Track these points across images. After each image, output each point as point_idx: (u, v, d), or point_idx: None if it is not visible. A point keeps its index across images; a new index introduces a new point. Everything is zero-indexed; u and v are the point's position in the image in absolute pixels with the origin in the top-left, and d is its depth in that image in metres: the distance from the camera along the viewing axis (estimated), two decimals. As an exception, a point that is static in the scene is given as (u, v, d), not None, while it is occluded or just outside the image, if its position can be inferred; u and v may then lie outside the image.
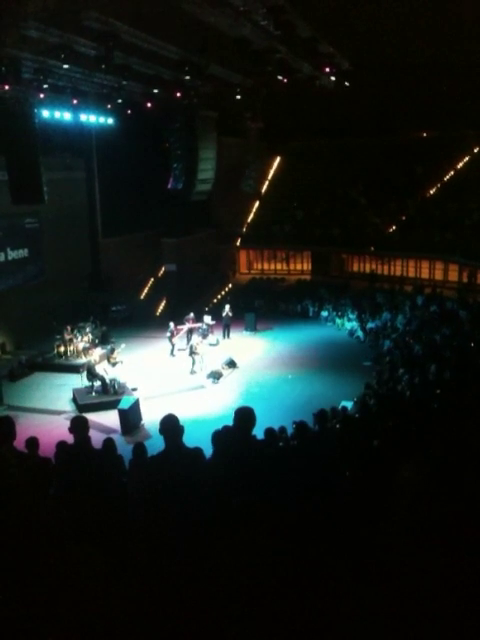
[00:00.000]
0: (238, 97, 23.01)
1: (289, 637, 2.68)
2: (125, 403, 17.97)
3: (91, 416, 14.25)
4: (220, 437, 6.16)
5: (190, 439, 5.55)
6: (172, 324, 24.79)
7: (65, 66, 17.38)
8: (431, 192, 34.41)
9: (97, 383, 20.10)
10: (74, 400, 20.03)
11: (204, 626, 2.77)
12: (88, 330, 25.12)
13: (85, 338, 24.50)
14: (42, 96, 20.91)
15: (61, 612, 2.82)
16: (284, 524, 3.60)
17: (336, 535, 3.52)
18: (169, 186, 28.10)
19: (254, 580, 2.93)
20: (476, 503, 3.63)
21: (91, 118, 26.45)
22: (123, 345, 22.44)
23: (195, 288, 31.66)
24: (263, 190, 38.70)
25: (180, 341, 24.88)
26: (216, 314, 27.59)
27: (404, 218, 33.47)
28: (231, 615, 2.79)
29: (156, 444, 5.72)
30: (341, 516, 3.90)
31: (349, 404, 16.74)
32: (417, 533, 3.36)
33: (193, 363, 22.44)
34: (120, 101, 23.65)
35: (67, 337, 24.16)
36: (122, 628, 2.81)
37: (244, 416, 5.50)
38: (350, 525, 3.69)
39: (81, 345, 24.05)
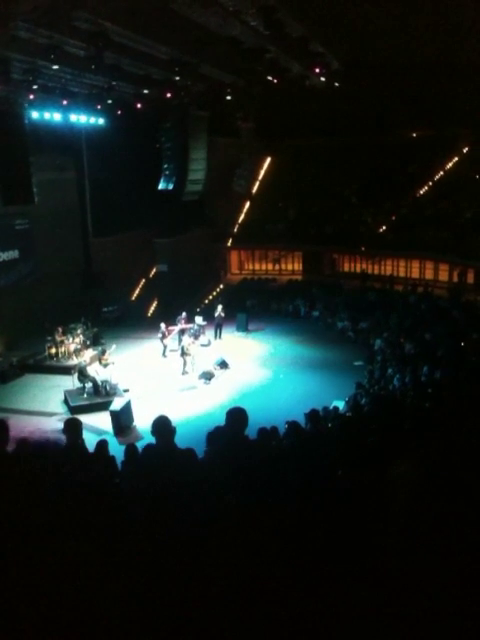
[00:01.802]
0: (229, 97, 23.01)
1: (286, 637, 2.67)
2: (117, 404, 17.95)
3: (83, 417, 14.20)
4: (214, 437, 6.15)
5: (182, 440, 5.55)
6: (163, 325, 24.75)
7: (55, 67, 17.33)
8: (423, 191, 34.50)
9: (89, 384, 20.05)
10: (66, 401, 19.96)
11: (200, 627, 2.77)
12: (79, 331, 25.02)
13: (76, 339, 24.41)
14: (32, 97, 20.84)
15: (57, 614, 2.81)
16: (279, 525, 3.59)
17: (332, 535, 3.51)
18: (160, 186, 28.08)
19: (250, 580, 2.92)
20: (472, 501, 3.63)
21: (81, 118, 26.38)
22: (114, 346, 22.38)
23: (187, 288, 31.62)
24: (254, 190, 38.69)
25: (172, 342, 24.85)
26: (208, 314, 27.60)
27: (394, 218, 33.55)
28: (227, 616, 2.78)
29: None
30: (337, 516, 3.89)
31: (341, 404, 16.79)
32: (414, 532, 3.36)
33: (185, 364, 22.41)
34: (110, 101, 23.59)
35: (58, 338, 24.06)
36: (119, 627, 2.80)
37: (236, 416, 5.50)
38: (346, 525, 3.69)
39: (72, 346, 23.98)
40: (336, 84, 20.93)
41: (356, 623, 2.66)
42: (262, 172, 39.26)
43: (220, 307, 27.32)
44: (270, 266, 37.64)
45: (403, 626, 2.61)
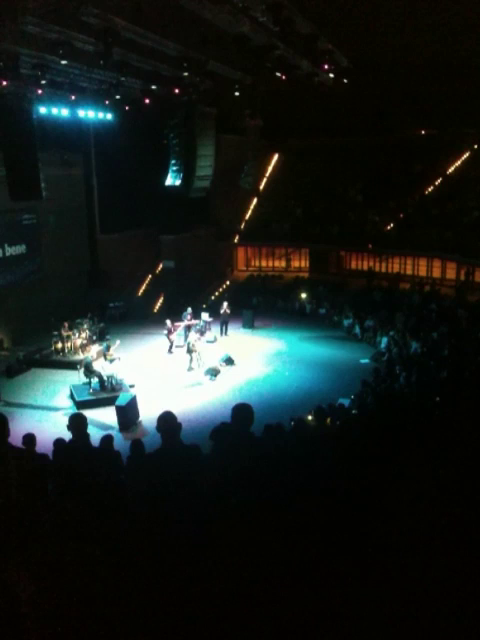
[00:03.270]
0: (237, 94, 22.93)
1: (288, 636, 2.67)
2: (122, 400, 18.00)
3: (88, 413, 14.27)
4: (219, 434, 6.15)
5: (187, 436, 5.55)
6: (169, 321, 24.78)
7: (63, 62, 17.32)
8: (429, 190, 34.39)
9: (95, 380, 20.11)
10: (71, 397, 20.03)
11: (203, 624, 2.77)
12: (86, 326, 25.10)
13: (83, 335, 24.48)
14: (40, 92, 20.84)
15: (59, 610, 2.82)
16: (283, 522, 3.59)
17: (336, 534, 3.52)
18: (167, 183, 28.01)
19: (253, 578, 2.93)
20: (475, 502, 3.63)
21: (89, 114, 26.36)
22: (118, 342, 22.40)
23: (193, 285, 31.64)
24: (261, 187, 38.66)
25: (178, 338, 24.87)
26: (214, 311, 27.62)
27: (402, 216, 33.44)
28: (230, 613, 2.78)
29: (153, 441, 5.71)
30: (341, 515, 3.89)
31: (346, 401, 16.77)
32: (417, 532, 3.36)
33: (190, 360, 22.44)
34: (118, 97, 23.55)
35: (65, 334, 24.14)
36: (121, 626, 2.81)
37: (242, 413, 5.49)
38: (350, 524, 3.69)
39: (79, 342, 24.05)
40: (345, 81, 20.82)
41: (356, 623, 2.66)
42: (269, 169, 39.23)
43: (226, 304, 27.35)
44: (277, 263, 37.62)
45: (403, 626, 2.61)
